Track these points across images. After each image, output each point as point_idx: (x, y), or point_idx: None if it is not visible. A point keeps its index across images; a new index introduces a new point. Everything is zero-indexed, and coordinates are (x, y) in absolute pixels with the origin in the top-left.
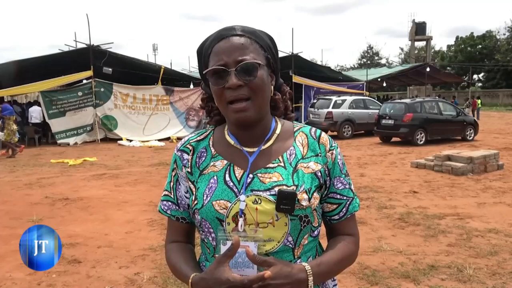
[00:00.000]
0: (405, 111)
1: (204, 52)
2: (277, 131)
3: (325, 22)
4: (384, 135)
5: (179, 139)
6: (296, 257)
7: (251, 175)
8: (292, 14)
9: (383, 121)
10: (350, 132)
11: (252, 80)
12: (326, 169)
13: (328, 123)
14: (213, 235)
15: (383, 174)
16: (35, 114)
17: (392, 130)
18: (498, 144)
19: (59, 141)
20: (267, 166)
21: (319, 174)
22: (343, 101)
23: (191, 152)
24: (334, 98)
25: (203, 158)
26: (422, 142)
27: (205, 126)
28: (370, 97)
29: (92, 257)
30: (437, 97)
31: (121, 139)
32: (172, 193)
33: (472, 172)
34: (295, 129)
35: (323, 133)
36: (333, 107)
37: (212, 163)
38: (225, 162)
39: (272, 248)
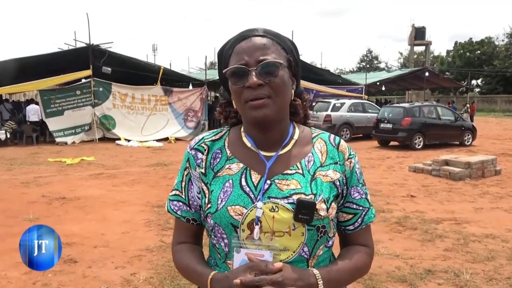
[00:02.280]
0: (404, 115)
1: (225, 53)
2: (295, 137)
3: (325, 25)
4: (382, 139)
5: (177, 139)
6: (309, 268)
7: (268, 181)
8: (291, 17)
9: (382, 125)
10: (348, 136)
11: (272, 79)
12: (344, 178)
13: (327, 126)
14: (225, 241)
15: (380, 178)
16: (33, 112)
17: (391, 134)
18: (495, 149)
19: (57, 140)
20: (285, 172)
21: (338, 183)
22: (342, 104)
23: (206, 151)
24: (333, 101)
25: (218, 160)
26: (420, 147)
27: (203, 127)
28: (369, 100)
29: (88, 257)
30: (434, 102)
31: (119, 139)
32: (184, 193)
33: (469, 177)
34: (313, 135)
35: (342, 140)
36: (331, 110)
37: (227, 166)
38: (241, 165)
39: (287, 258)
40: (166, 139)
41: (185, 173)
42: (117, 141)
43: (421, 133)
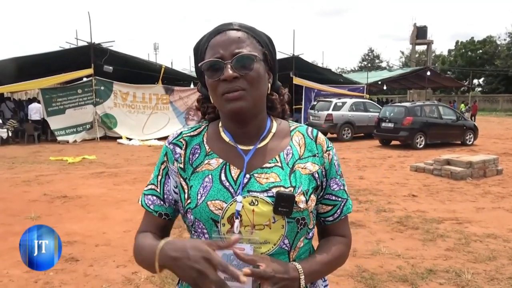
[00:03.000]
0: (405, 114)
1: (200, 48)
2: (273, 130)
3: (327, 24)
4: (383, 138)
5: None
6: (291, 260)
7: (247, 175)
8: (292, 17)
9: (383, 124)
10: (349, 135)
11: (247, 72)
12: (323, 170)
13: (328, 125)
14: (206, 236)
15: (382, 177)
16: (35, 111)
17: (392, 133)
18: (497, 149)
19: (58, 138)
20: (264, 166)
21: (317, 175)
22: (343, 103)
23: (184, 146)
24: (334, 100)
25: (197, 155)
26: (421, 146)
27: None
28: (370, 100)
29: (89, 256)
30: (435, 101)
31: (120, 137)
32: (159, 187)
33: (471, 177)
34: (291, 128)
35: (320, 133)
36: (333, 110)
37: (206, 161)
38: (221, 160)
39: (268, 250)
40: (167, 138)
41: (162, 167)
42: (118, 140)
43: (423, 133)
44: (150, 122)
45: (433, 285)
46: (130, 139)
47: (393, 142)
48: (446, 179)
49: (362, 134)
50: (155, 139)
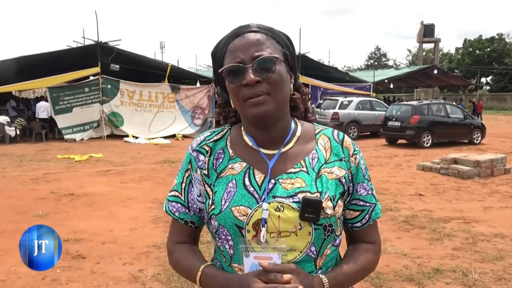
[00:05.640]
0: (412, 113)
1: (219, 53)
2: (297, 133)
3: (333, 22)
4: (390, 137)
5: (184, 136)
6: (317, 267)
7: (272, 180)
8: (298, 15)
9: (390, 123)
10: (356, 133)
11: (270, 75)
12: (350, 175)
13: (334, 124)
14: (230, 242)
15: (388, 176)
16: (43, 109)
17: (399, 132)
18: (505, 148)
19: (66, 137)
20: (289, 171)
21: (344, 180)
22: (350, 102)
23: (208, 153)
24: (340, 99)
25: (221, 160)
26: (428, 145)
27: (210, 125)
28: (377, 98)
29: (96, 253)
30: (442, 100)
31: (127, 136)
32: (183, 195)
33: (478, 176)
34: (316, 131)
35: (346, 136)
36: (339, 108)
37: (230, 166)
38: (244, 164)
39: (294, 258)
40: (174, 136)
41: (186, 175)
42: (125, 138)
43: (430, 131)
44: (156, 121)
45: (439, 285)
46: (137, 138)
47: (400, 141)
48: (453, 178)
49: (369, 133)
50: (161, 137)
